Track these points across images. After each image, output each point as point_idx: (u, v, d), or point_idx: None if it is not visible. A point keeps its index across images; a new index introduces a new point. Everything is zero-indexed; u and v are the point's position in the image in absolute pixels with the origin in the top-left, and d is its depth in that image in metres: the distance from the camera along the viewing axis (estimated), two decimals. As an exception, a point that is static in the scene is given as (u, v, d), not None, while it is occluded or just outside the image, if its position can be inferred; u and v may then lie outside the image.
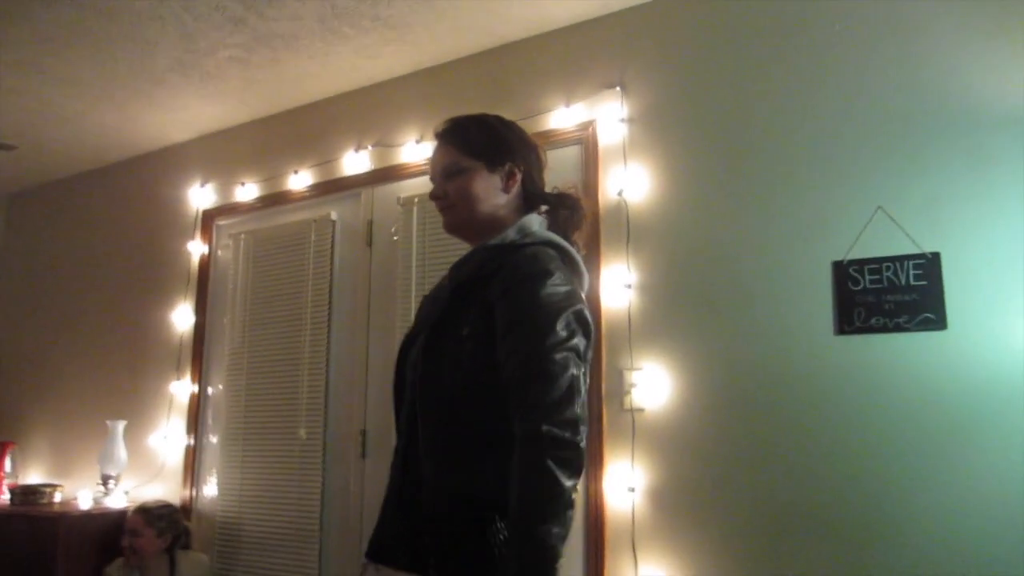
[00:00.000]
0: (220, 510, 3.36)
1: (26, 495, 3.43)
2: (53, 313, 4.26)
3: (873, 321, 2.18)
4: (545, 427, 1.15)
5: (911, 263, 2.15)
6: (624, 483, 2.41)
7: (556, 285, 1.28)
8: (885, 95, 2.25)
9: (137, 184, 4.04)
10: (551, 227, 1.47)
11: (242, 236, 3.52)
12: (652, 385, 2.43)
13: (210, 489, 3.43)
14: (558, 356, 1.21)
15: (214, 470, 3.43)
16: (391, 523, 1.33)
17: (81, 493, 3.48)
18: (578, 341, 1.26)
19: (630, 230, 2.55)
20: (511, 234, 1.40)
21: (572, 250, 1.44)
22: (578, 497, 1.31)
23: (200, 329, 3.59)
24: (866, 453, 2.11)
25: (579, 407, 1.21)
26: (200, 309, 3.61)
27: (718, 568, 2.25)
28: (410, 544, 1.26)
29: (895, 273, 2.18)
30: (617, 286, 2.54)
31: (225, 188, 3.65)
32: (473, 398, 1.27)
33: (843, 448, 2.14)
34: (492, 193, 1.44)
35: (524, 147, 1.50)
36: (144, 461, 3.58)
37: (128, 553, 3.08)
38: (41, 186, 4.54)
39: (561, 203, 1.50)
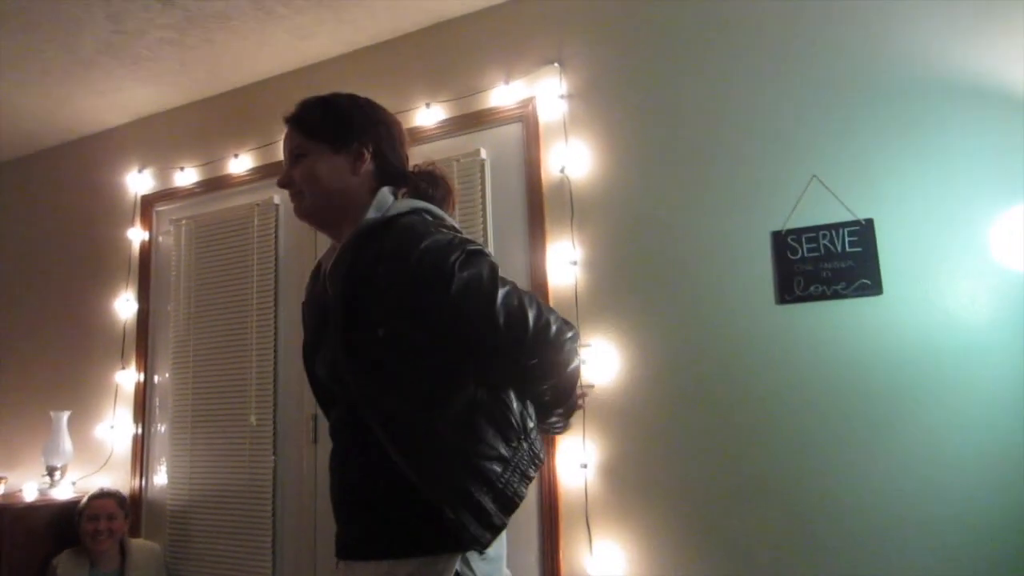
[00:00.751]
0: (170, 499, 3.31)
1: (-31, 489, 3.35)
2: (-9, 304, 4.14)
3: (812, 289, 2.22)
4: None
5: (846, 230, 2.19)
6: (576, 459, 2.43)
7: (442, 247, 1.23)
8: (816, 64, 2.28)
9: (74, 169, 3.92)
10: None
11: (183, 222, 3.44)
12: (601, 361, 2.45)
13: (159, 478, 3.38)
14: (502, 303, 1.22)
15: (163, 459, 3.38)
16: (355, 522, 1.29)
17: (26, 485, 3.40)
18: (490, 274, 1.25)
19: (574, 206, 2.55)
20: (371, 214, 1.32)
21: (442, 212, 1.39)
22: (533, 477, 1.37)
23: (144, 317, 3.52)
24: (810, 420, 2.16)
25: (550, 319, 1.28)
26: (143, 296, 3.54)
27: (671, 539, 2.30)
28: (385, 534, 1.23)
29: (831, 241, 2.22)
30: (563, 263, 2.54)
31: (164, 173, 3.56)
32: (423, 393, 1.23)
33: (788, 416, 2.18)
34: (339, 175, 1.37)
35: (374, 125, 1.42)
36: (91, 451, 3.51)
37: (102, 537, 3.03)
38: (-28, 174, 4.39)
39: (421, 179, 1.44)
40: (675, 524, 2.30)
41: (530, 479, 1.28)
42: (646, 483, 2.35)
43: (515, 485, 1.25)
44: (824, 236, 2.22)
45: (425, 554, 1.19)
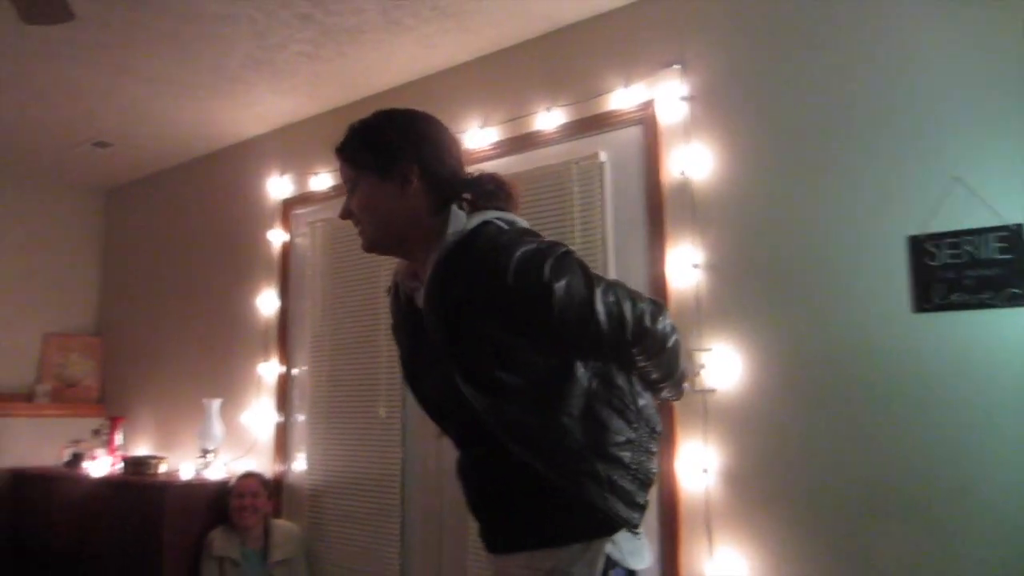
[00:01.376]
0: (308, 483, 3.56)
1: (135, 466, 3.72)
2: (153, 299, 4.55)
3: (954, 298, 2.11)
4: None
5: (993, 236, 2.06)
6: (697, 464, 2.43)
7: (533, 258, 1.24)
8: (958, 57, 2.14)
9: (220, 176, 4.24)
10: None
11: (318, 224, 3.66)
12: (723, 366, 2.42)
13: (299, 464, 3.63)
14: (601, 303, 1.24)
15: (302, 446, 3.63)
16: (502, 519, 1.35)
17: (183, 465, 3.75)
18: (584, 277, 1.26)
19: (695, 209, 2.53)
20: (449, 236, 1.30)
21: (515, 216, 1.38)
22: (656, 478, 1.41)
23: (284, 313, 3.77)
24: (951, 433, 2.05)
25: (643, 308, 1.31)
26: (283, 294, 3.79)
27: (796, 550, 2.26)
28: (536, 526, 1.30)
29: (976, 247, 2.09)
30: (684, 266, 2.52)
31: (301, 178, 3.79)
32: (542, 398, 1.27)
33: (926, 428, 2.09)
34: (391, 202, 1.35)
35: (415, 143, 1.37)
36: (238, 436, 3.82)
37: (247, 513, 3.32)
38: (134, 182, 4.83)
39: (479, 185, 1.40)
40: (801, 535, 2.25)
41: (654, 454, 1.34)
42: (770, 490, 2.32)
43: (646, 464, 1.31)
44: (967, 242, 2.10)
45: (579, 541, 1.25)
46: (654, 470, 1.33)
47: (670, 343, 1.35)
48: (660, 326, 1.32)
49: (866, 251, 2.23)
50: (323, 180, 3.67)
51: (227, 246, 4.13)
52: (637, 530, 1.30)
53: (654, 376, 1.38)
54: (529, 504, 1.30)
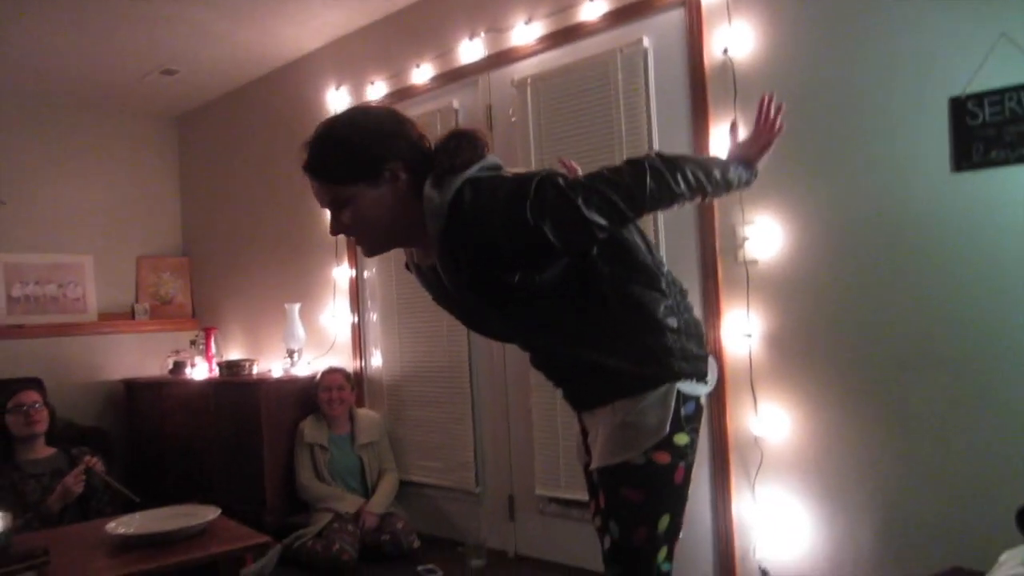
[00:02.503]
0: (385, 375, 3.86)
1: (231, 368, 4.09)
2: (232, 216, 4.87)
3: (993, 155, 2.15)
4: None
5: (1035, 90, 2.07)
6: (741, 330, 2.58)
7: (512, 203, 1.29)
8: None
9: (282, 94, 4.44)
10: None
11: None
12: (765, 237, 2.53)
13: (375, 359, 3.93)
14: (589, 211, 1.29)
15: (377, 342, 3.91)
16: (585, 384, 1.53)
17: (272, 365, 4.09)
18: (560, 196, 1.30)
19: (737, 88, 2.59)
20: (432, 219, 1.33)
21: (484, 161, 1.39)
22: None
23: (351, 220, 4.00)
24: (987, 286, 2.14)
25: (627, 181, 1.33)
26: (350, 202, 4.00)
27: (836, 403, 2.41)
28: (613, 384, 1.46)
29: (1018, 103, 2.11)
30: (726, 143, 2.60)
31: (357, 89, 3.95)
32: (580, 305, 1.42)
33: (964, 283, 2.17)
34: (387, 206, 1.36)
35: (388, 140, 1.37)
36: (319, 337, 4.14)
37: (335, 404, 3.64)
38: (202, 106, 5.07)
39: (444, 151, 1.37)
40: (840, 389, 2.40)
41: (691, 308, 1.50)
42: (811, 351, 2.46)
43: (690, 320, 1.47)
44: (1011, 98, 2.11)
45: (653, 388, 1.42)
46: (697, 319, 1.50)
47: (678, 185, 1.36)
48: (649, 185, 1.32)
49: (906, 115, 2.27)
50: (379, 89, 3.82)
51: (293, 160, 4.31)
52: (705, 379, 1.46)
53: (687, 205, 1.45)
54: (600, 378, 1.47)
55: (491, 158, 1.41)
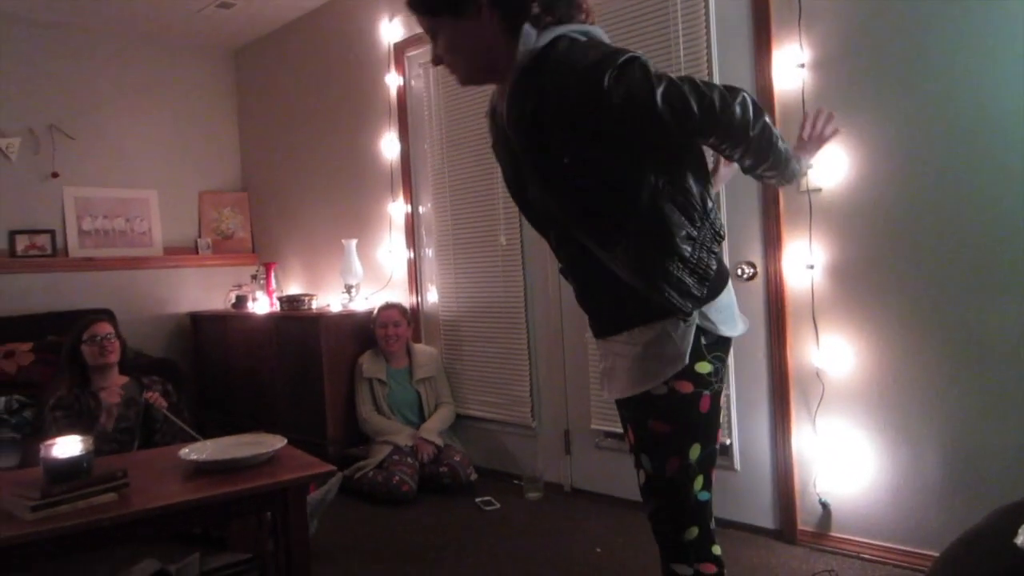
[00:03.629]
0: (442, 311, 3.90)
1: (291, 303, 4.19)
2: (289, 151, 4.90)
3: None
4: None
5: None
6: (803, 261, 2.51)
7: (596, 67, 1.29)
8: None
9: (335, 26, 4.39)
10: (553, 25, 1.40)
11: (429, 65, 3.76)
12: (829, 164, 2.43)
13: (431, 295, 3.97)
14: (663, 100, 1.27)
15: (433, 277, 3.94)
16: (600, 309, 1.52)
17: (331, 300, 4.17)
18: (644, 77, 1.29)
19: (801, 5, 2.45)
20: (519, 55, 1.37)
21: (589, 27, 1.42)
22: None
23: (405, 155, 3.99)
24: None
25: (713, 96, 1.30)
26: (403, 136, 3.99)
27: (901, 331, 2.35)
28: (624, 313, 1.46)
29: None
30: (789, 67, 2.49)
31: (410, 20, 3.85)
32: (613, 199, 1.39)
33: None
34: (472, 38, 1.42)
35: None
36: (376, 272, 4.19)
37: (392, 340, 3.71)
38: (257, 40, 5.06)
39: (559, 4, 1.41)
40: (906, 318, 2.33)
41: (715, 254, 1.43)
42: (876, 280, 2.39)
43: (705, 259, 1.40)
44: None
45: (659, 319, 1.41)
46: (713, 266, 1.41)
47: (754, 129, 1.35)
48: (735, 111, 1.32)
49: (983, 28, 2.14)
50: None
51: (348, 94, 4.34)
52: (687, 318, 1.40)
53: (748, 163, 1.43)
54: (616, 292, 1.44)
55: (596, 29, 1.43)
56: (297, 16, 4.65)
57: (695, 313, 1.40)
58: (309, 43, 4.63)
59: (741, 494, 2.74)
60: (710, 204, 1.44)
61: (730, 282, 1.48)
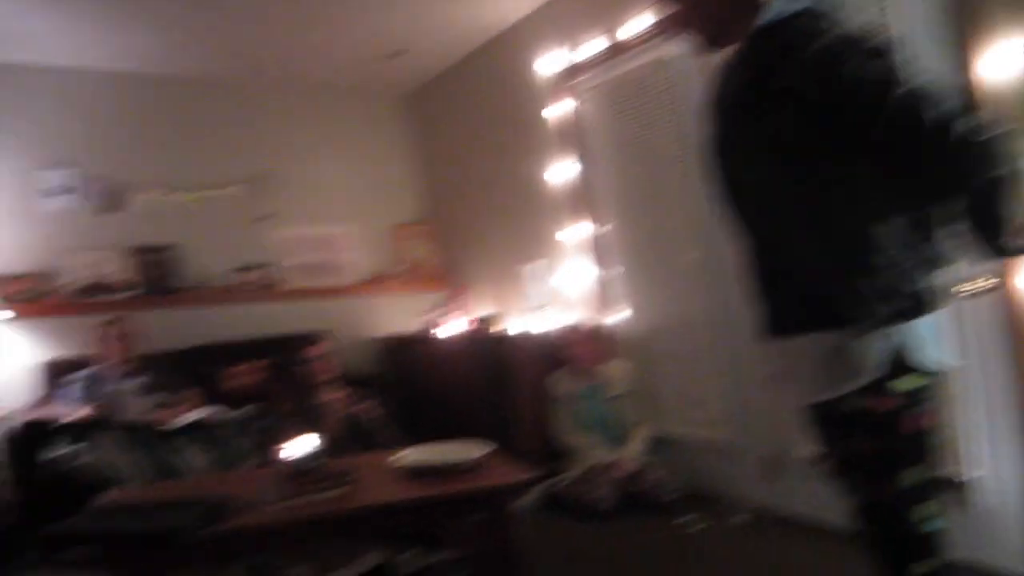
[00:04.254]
0: (634, 328, 3.89)
1: (481, 324, 4.35)
2: (468, 182, 5.14)
3: None
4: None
5: None
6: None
7: (832, 45, 1.23)
8: None
9: (500, 61, 4.58)
10: None
11: (596, 89, 3.86)
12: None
13: (621, 313, 3.97)
14: (893, 102, 1.17)
15: (621, 296, 3.95)
16: (780, 303, 1.41)
17: (519, 321, 4.30)
18: (881, 72, 1.19)
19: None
20: (762, 19, 1.34)
21: (838, 6, 1.34)
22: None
23: (584, 177, 4.06)
24: None
25: (953, 119, 1.14)
26: (581, 158, 4.06)
27: None
28: (805, 312, 1.35)
29: None
30: (1006, 59, 2.26)
31: (573, 48, 3.96)
32: (821, 180, 1.30)
33: None
34: (710, 2, 1.42)
35: None
36: (562, 293, 4.26)
37: (584, 358, 3.74)
38: (430, 81, 5.39)
39: None
40: None
41: (928, 267, 1.28)
42: None
43: (913, 270, 1.27)
44: None
45: (851, 323, 1.28)
46: (922, 280, 1.28)
47: (988, 174, 1.13)
48: (972, 143, 1.12)
49: None
50: (594, 46, 3.82)
51: (520, 124, 4.49)
52: (884, 326, 1.27)
53: (966, 221, 1.20)
54: (807, 288, 1.34)
55: (847, 14, 1.36)
56: (463, 56, 4.91)
57: (895, 327, 1.27)
58: (476, 80, 4.86)
59: (985, 533, 2.47)
60: (924, 233, 1.30)
61: (938, 307, 1.32)
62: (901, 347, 1.27)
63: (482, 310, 5.02)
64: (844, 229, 1.29)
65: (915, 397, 1.28)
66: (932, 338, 1.31)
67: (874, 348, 1.27)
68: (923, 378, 1.29)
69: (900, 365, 1.27)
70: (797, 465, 3.07)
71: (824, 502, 2.94)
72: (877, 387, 1.27)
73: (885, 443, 1.29)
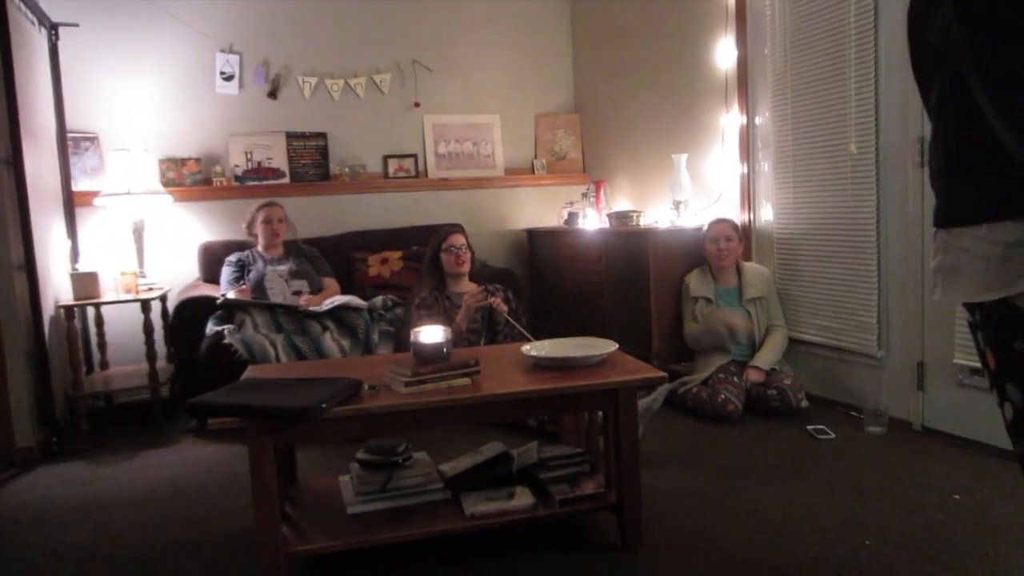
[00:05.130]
0: (776, 229, 3.66)
1: (619, 219, 4.25)
2: (619, 70, 4.91)
3: None
4: None
5: None
6: None
7: None
8: None
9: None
10: None
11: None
12: None
13: (765, 212, 3.74)
14: None
15: (767, 193, 3.70)
16: (958, 186, 1.24)
17: (659, 216, 4.15)
18: None
19: None
20: None
21: None
22: None
23: (743, 62, 3.75)
24: None
25: None
26: (740, 42, 3.74)
27: None
28: (996, 196, 1.17)
29: None
30: None
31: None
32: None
33: None
34: None
35: None
36: (706, 188, 4.05)
37: (723, 255, 3.57)
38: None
39: None
40: None
41: None
42: None
43: None
44: None
45: (1011, 218, 1.11)
46: None
47: None
48: None
49: None
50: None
51: (679, 3, 4.18)
52: None
53: None
54: (991, 172, 1.15)
55: None
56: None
57: None
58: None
59: None
60: None
61: None
62: None
63: (623, 204, 4.90)
64: None
65: None
66: None
67: None
68: None
69: None
70: (952, 378, 2.85)
71: (976, 417, 2.74)
72: None
73: None
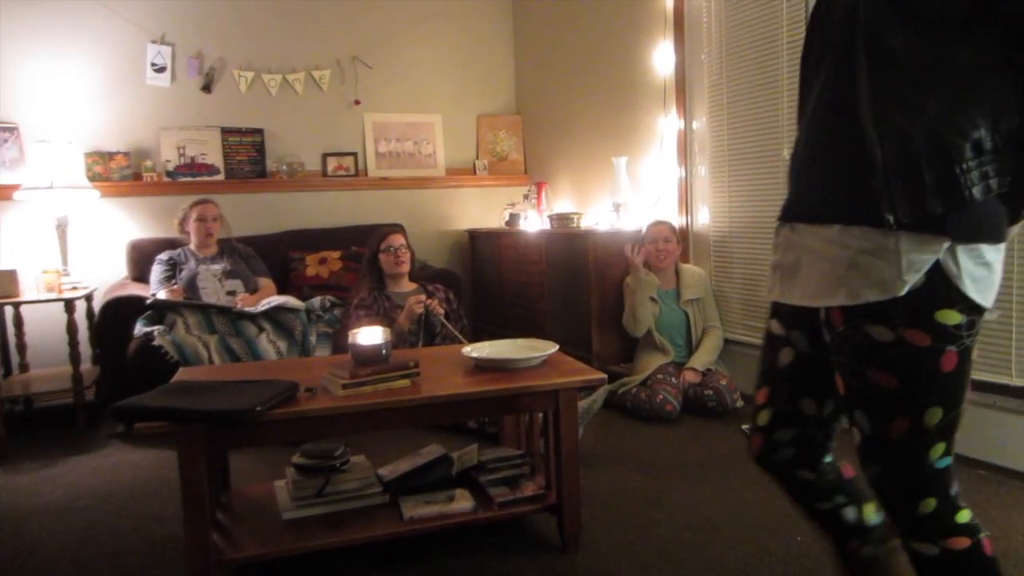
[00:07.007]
0: (712, 231, 3.73)
1: (560, 221, 4.27)
2: (560, 72, 4.93)
3: None
4: None
5: None
6: None
7: None
8: None
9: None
10: None
11: (712, -35, 3.52)
12: None
13: (702, 214, 3.81)
14: None
15: (704, 197, 3.77)
16: (825, 184, 1.19)
17: (599, 218, 4.18)
18: None
19: None
20: None
21: None
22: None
23: (680, 67, 3.81)
24: None
25: None
26: (678, 48, 3.80)
27: None
28: (851, 199, 1.14)
29: None
30: None
31: (691, -82, 3.63)
32: (932, 39, 1.10)
33: None
34: None
35: None
36: (644, 191, 4.11)
37: (661, 256, 3.61)
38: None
39: None
40: None
41: (991, 190, 1.08)
42: None
43: (974, 180, 1.06)
44: None
45: (903, 229, 1.08)
46: (977, 195, 1.06)
47: None
48: None
49: None
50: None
51: (619, 9, 4.22)
52: (936, 241, 1.08)
53: None
54: (857, 172, 1.11)
55: None
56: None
57: (948, 245, 1.07)
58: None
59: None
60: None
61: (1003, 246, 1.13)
62: (954, 270, 1.09)
63: (564, 206, 4.93)
64: (942, 103, 1.07)
65: (962, 332, 1.11)
66: (989, 283, 1.13)
67: (920, 260, 1.08)
68: (973, 311, 1.11)
69: (948, 294, 1.09)
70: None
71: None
72: (920, 318, 1.10)
73: (918, 380, 1.13)
